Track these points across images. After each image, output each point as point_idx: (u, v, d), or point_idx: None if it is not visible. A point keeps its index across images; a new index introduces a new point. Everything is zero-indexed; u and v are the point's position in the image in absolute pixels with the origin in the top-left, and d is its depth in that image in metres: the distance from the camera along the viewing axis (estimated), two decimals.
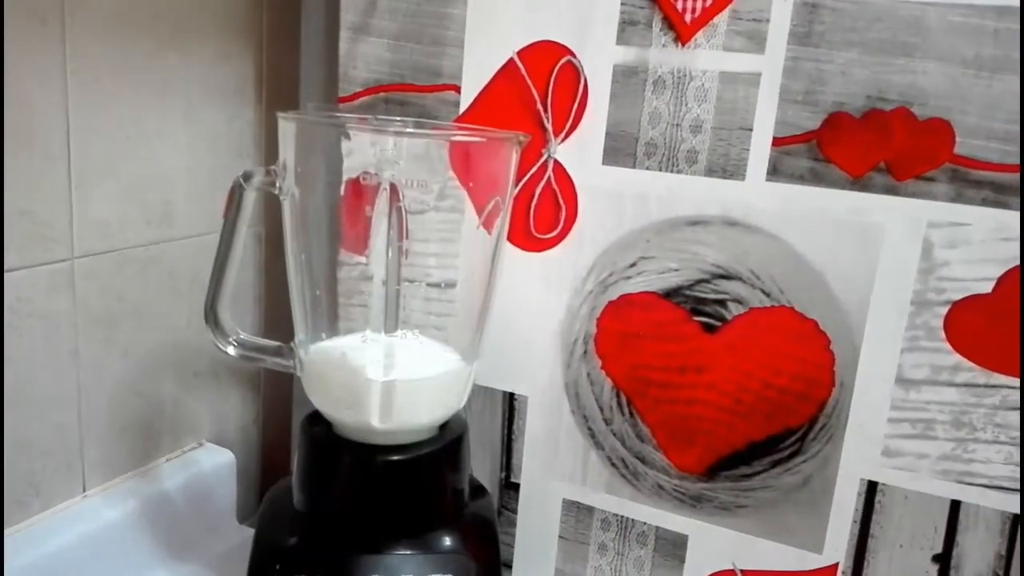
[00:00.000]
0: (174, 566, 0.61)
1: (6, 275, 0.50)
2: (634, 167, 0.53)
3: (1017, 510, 0.48)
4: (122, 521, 0.58)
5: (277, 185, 0.49)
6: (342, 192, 0.49)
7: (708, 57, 0.51)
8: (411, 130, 0.55)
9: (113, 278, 0.57)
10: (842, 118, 0.48)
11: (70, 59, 0.51)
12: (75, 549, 0.55)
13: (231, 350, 0.51)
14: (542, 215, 0.56)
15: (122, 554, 0.58)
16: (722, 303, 0.53)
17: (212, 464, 0.66)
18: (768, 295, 0.52)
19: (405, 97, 0.59)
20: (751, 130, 0.50)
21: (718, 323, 0.53)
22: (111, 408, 0.59)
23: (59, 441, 0.56)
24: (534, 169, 0.56)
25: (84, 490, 0.58)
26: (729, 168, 0.51)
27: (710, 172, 0.52)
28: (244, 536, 0.64)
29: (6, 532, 0.53)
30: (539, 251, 0.57)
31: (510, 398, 0.60)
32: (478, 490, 0.55)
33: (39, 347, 0.53)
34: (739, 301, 0.52)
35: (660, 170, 0.53)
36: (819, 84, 0.48)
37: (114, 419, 0.60)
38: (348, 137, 0.49)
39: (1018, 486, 0.48)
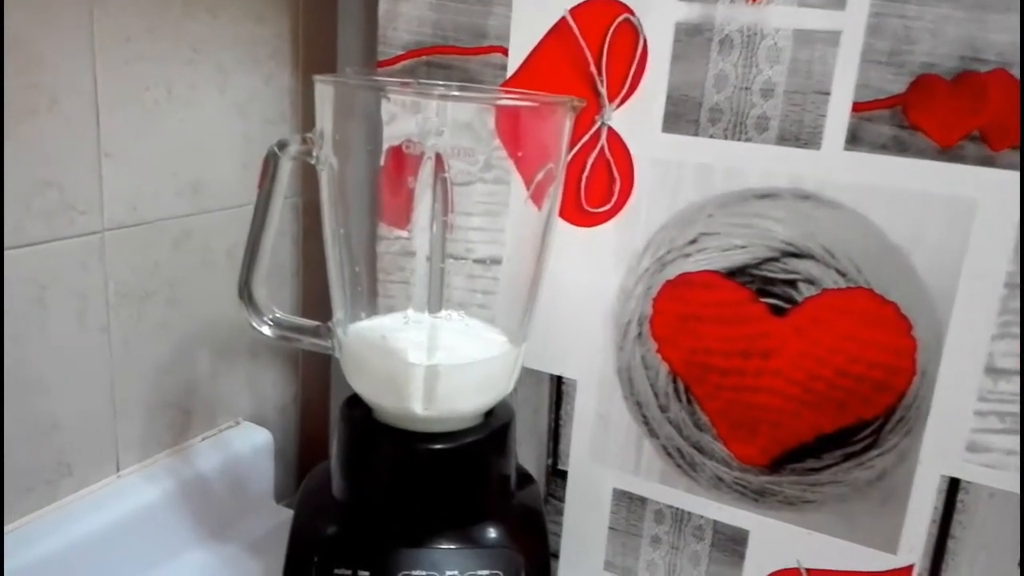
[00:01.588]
0: (211, 546, 0.60)
1: (33, 248, 0.48)
2: (697, 135, 0.50)
3: None
4: (157, 501, 0.57)
5: (314, 154, 0.47)
6: (383, 162, 0.47)
7: (782, 13, 0.47)
8: (456, 93, 0.51)
9: (145, 252, 0.55)
10: (932, 81, 0.44)
11: (96, 15, 0.49)
12: (110, 529, 0.54)
13: (266, 330, 0.49)
14: (594, 187, 0.53)
15: (158, 534, 0.57)
16: (792, 283, 0.49)
17: (249, 443, 0.65)
18: (844, 275, 0.48)
19: (448, 60, 0.55)
20: (828, 94, 0.46)
21: (787, 305, 0.49)
22: (144, 386, 0.58)
23: (91, 420, 0.54)
24: (586, 138, 0.52)
25: (118, 470, 0.57)
26: (803, 136, 0.47)
27: (782, 140, 0.48)
28: (282, 517, 0.63)
29: (38, 512, 0.52)
30: (591, 226, 0.54)
31: (558, 382, 0.57)
32: (525, 478, 0.52)
33: (68, 323, 0.52)
34: (811, 281, 0.48)
35: (726, 138, 0.49)
36: (906, 43, 0.44)
37: (148, 397, 0.58)
38: (389, 101, 0.46)
39: None
